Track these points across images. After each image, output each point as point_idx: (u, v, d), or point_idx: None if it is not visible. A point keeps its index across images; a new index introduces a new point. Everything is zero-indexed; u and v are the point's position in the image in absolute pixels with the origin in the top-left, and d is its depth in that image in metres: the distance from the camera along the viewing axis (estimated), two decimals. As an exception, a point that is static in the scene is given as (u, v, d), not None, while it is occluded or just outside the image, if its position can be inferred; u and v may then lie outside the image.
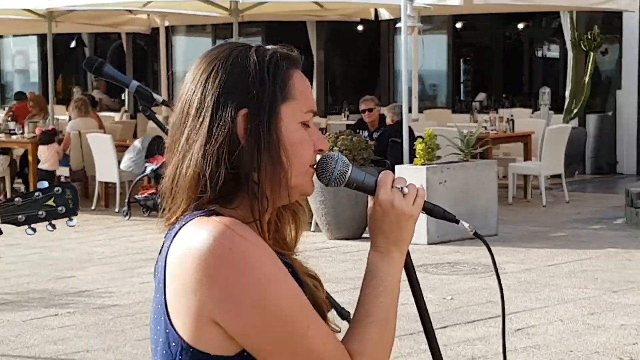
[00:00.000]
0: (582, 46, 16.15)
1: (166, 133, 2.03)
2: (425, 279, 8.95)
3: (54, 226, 2.70)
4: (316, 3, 14.52)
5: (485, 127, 13.80)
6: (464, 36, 20.68)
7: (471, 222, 2.08)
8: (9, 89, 25.02)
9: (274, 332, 1.81)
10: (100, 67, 3.15)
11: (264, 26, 20.33)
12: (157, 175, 12.23)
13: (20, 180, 15.36)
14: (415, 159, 10.90)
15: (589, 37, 16.00)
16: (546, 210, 13.15)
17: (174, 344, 1.85)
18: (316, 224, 11.27)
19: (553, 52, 19.98)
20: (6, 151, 14.93)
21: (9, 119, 15.92)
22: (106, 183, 13.95)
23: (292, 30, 19.52)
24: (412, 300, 2.06)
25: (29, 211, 2.65)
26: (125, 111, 19.66)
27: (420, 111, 16.37)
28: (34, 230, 2.70)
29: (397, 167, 10.85)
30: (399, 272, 1.97)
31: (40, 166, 14.00)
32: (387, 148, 12.32)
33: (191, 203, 1.89)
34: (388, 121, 13.07)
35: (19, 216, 2.65)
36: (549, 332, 7.33)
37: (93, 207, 13.54)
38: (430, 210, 2.03)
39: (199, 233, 1.82)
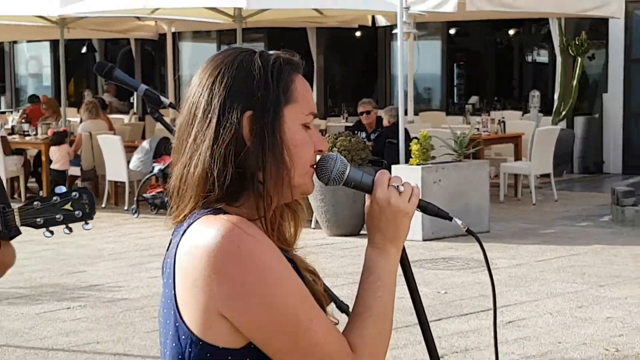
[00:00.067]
0: (570, 51, 16.15)
1: (173, 134, 2.02)
2: (420, 273, 8.95)
3: (70, 229, 2.70)
4: (316, 10, 14.52)
5: (478, 129, 13.79)
6: (457, 42, 20.67)
7: (464, 219, 2.08)
8: (23, 92, 24.99)
9: (280, 327, 1.81)
10: (110, 71, 3.14)
11: (267, 32, 20.31)
12: (164, 175, 12.22)
13: (33, 180, 15.34)
14: (410, 159, 10.89)
15: (577, 43, 15.99)
16: (536, 208, 13.14)
17: (183, 337, 1.84)
18: (316, 221, 11.27)
19: (542, 57, 19.98)
20: (20, 151, 14.91)
21: (23, 120, 15.92)
22: (116, 182, 13.95)
23: (293, 36, 19.50)
24: (408, 294, 2.06)
25: (47, 215, 2.65)
26: (134, 113, 19.64)
27: (416, 113, 16.36)
28: (52, 232, 2.71)
29: (393, 166, 10.84)
30: (395, 267, 1.97)
31: (52, 166, 14.00)
32: (384, 149, 12.31)
33: (199, 201, 1.88)
34: (385, 123, 13.06)
35: (38, 219, 2.66)
36: (539, 325, 7.33)
37: (103, 205, 13.53)
38: (424, 208, 2.03)
39: (207, 231, 1.81)
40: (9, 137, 14.91)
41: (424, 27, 18.15)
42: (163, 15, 15.76)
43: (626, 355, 6.54)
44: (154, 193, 12.82)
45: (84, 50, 23.25)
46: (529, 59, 20.72)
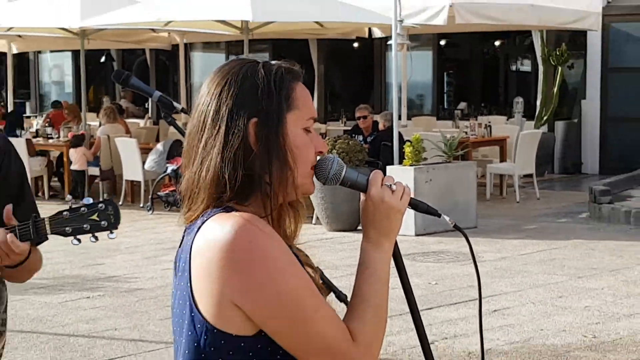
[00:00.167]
0: (551, 61, 16.15)
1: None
2: (412, 266, 8.95)
3: (96, 238, 2.70)
4: (317, 23, 14.51)
5: (466, 132, 13.79)
6: (447, 52, 20.64)
7: (453, 216, 2.08)
8: (47, 98, 24.97)
9: (288, 316, 1.81)
10: (127, 79, 3.14)
11: (271, 43, 20.29)
12: (177, 175, 12.22)
13: (56, 179, 15.34)
14: (404, 161, 10.89)
15: (557, 53, 15.99)
16: (519, 205, 13.14)
17: (199, 325, 1.85)
18: (317, 217, 11.26)
19: (526, 66, 19.95)
20: (44, 153, 14.92)
21: (47, 124, 15.92)
22: (132, 181, 13.94)
23: (296, 47, 19.49)
24: (401, 285, 2.07)
25: (75, 224, 2.66)
26: (149, 118, 19.64)
27: (409, 118, 16.34)
28: (79, 240, 2.71)
29: (388, 167, 10.85)
30: (388, 260, 1.98)
31: (72, 167, 14.01)
32: (380, 150, 12.31)
33: (211, 202, 1.89)
34: (380, 127, 13.05)
35: (67, 228, 2.67)
36: (522, 313, 7.33)
37: (120, 203, 13.52)
38: (415, 205, 2.03)
39: (222, 227, 1.82)
40: (34, 140, 14.93)
41: (417, 39, 18.13)
42: (176, 28, 15.77)
43: (603, 342, 6.54)
44: (167, 191, 12.82)
45: (102, 59, 23.25)
46: (513, 68, 20.70)
